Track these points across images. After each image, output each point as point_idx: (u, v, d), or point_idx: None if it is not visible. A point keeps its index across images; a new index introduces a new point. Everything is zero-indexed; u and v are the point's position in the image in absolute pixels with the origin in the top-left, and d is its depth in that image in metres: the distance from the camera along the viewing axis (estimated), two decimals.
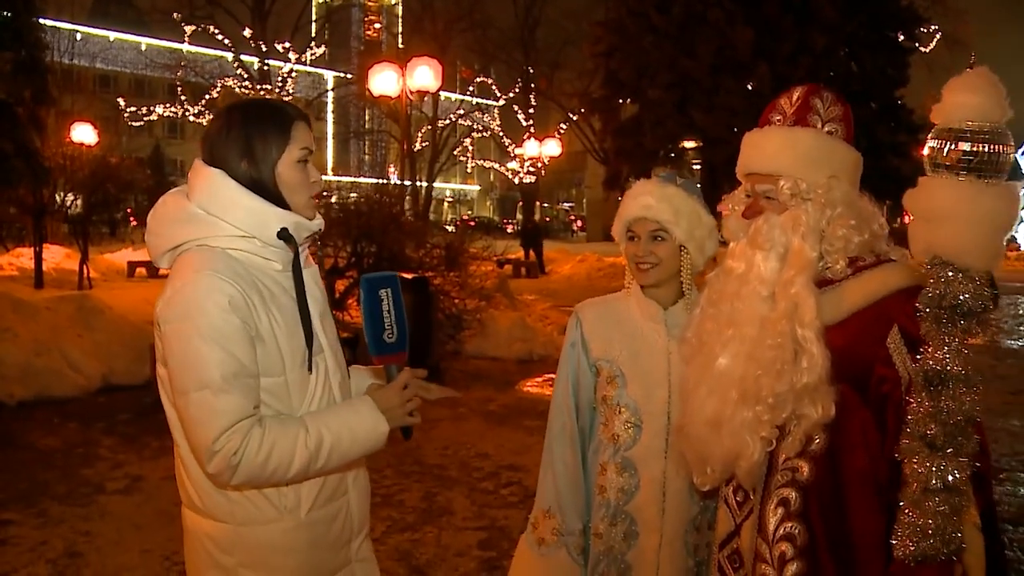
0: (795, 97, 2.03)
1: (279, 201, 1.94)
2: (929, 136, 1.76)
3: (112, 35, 48.24)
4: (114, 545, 4.76)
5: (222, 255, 1.87)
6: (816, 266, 1.94)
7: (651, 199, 2.30)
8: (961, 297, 1.69)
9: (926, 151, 1.76)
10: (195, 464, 1.92)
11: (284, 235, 1.92)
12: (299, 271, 1.98)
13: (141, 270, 19.90)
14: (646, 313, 2.36)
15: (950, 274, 1.70)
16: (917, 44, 25.68)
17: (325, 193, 12.68)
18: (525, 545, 2.49)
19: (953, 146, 1.70)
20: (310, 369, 1.96)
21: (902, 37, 24.65)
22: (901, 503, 1.73)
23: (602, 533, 2.35)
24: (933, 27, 26.88)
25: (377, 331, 1.98)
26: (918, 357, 1.77)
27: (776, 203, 1.98)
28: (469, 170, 63.74)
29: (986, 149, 1.68)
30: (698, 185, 2.46)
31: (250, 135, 1.91)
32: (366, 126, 47.15)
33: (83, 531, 4.96)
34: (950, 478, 1.66)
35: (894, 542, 1.73)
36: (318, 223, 2.03)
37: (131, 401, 8.02)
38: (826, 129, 1.99)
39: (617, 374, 2.34)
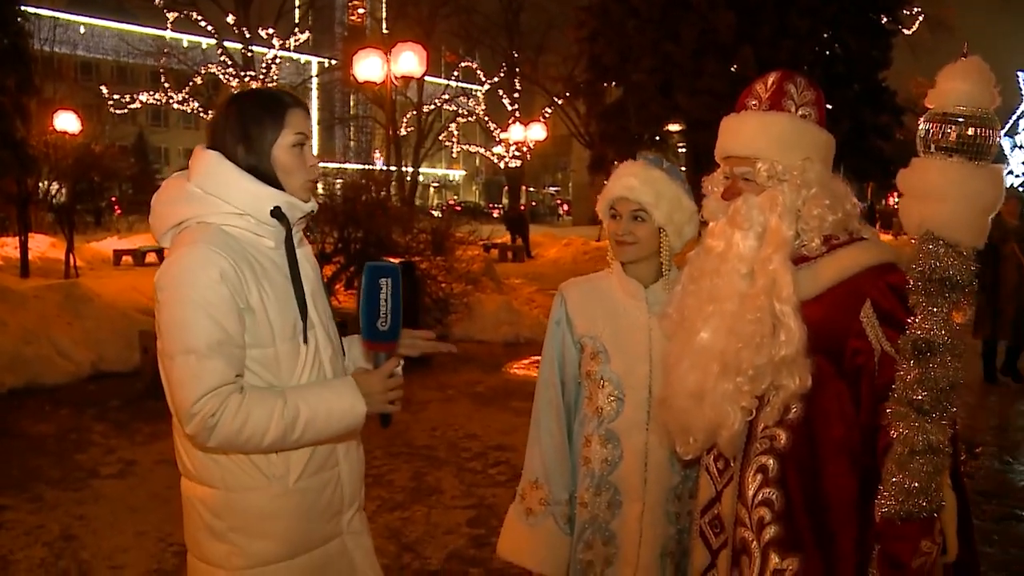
0: (770, 82, 2.11)
1: (275, 183, 2.04)
2: (922, 119, 1.85)
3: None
4: (109, 527, 4.84)
5: (218, 230, 1.97)
6: (792, 244, 2.03)
7: (635, 180, 2.38)
8: (950, 271, 1.78)
9: (919, 133, 1.85)
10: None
11: (277, 213, 2.02)
12: (291, 247, 2.07)
13: (127, 258, 19.89)
14: (627, 291, 2.45)
15: (940, 249, 1.79)
16: (900, 26, 25.82)
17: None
18: (514, 515, 2.58)
19: (946, 129, 1.79)
20: (305, 340, 2.04)
21: (885, 19, 24.77)
22: (887, 465, 1.82)
23: (587, 502, 2.44)
24: (916, 9, 27.04)
25: (372, 318, 2.03)
26: (905, 327, 1.85)
27: (754, 184, 2.07)
28: (455, 155, 63.57)
29: (976, 133, 1.77)
30: (682, 170, 2.55)
31: (246, 122, 2.03)
32: (351, 112, 47.06)
33: (78, 515, 5.03)
34: (934, 440, 1.76)
35: (880, 501, 1.83)
36: (311, 205, 2.12)
37: (122, 388, 8.06)
38: (800, 113, 2.08)
39: (600, 350, 2.43)
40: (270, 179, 2.03)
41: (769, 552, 2.02)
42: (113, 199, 30.93)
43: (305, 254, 2.15)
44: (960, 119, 1.77)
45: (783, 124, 2.06)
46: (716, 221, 2.16)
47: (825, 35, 23.59)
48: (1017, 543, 4.79)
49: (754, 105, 2.11)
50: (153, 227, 2.09)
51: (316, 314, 2.11)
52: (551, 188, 77.22)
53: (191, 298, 1.88)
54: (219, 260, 1.90)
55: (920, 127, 1.83)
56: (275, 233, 2.04)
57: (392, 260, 9.50)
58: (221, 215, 1.99)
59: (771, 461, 2.03)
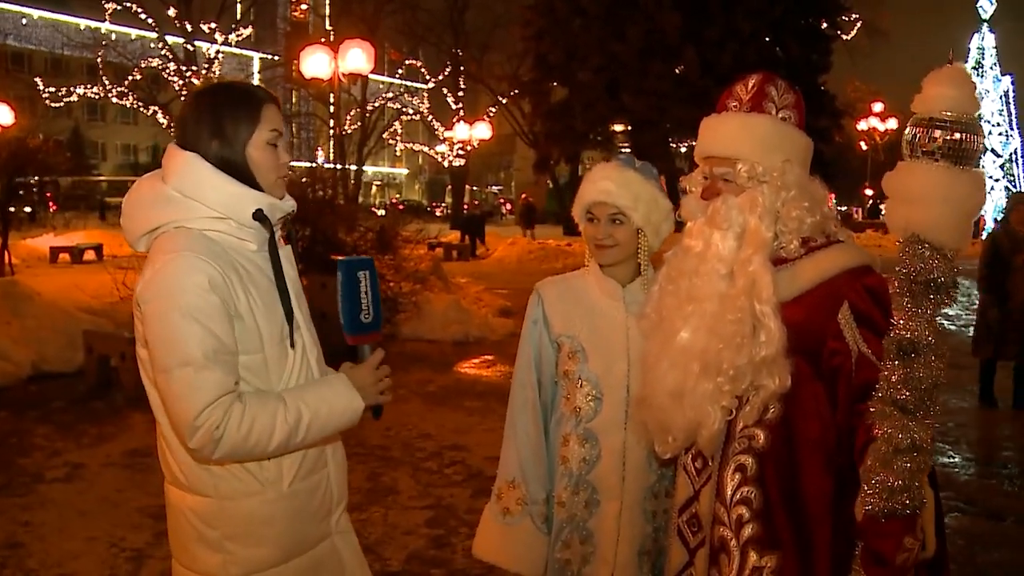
0: (751, 85, 2.14)
1: (251, 182, 1.99)
2: (908, 124, 1.88)
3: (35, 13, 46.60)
4: (58, 533, 4.70)
5: (200, 236, 1.91)
6: (771, 245, 2.06)
7: (611, 184, 2.38)
8: (935, 272, 1.82)
9: (905, 137, 1.88)
10: (179, 441, 1.95)
11: (259, 216, 1.97)
12: (275, 250, 2.03)
13: (64, 256, 19.42)
14: (605, 290, 2.46)
15: (926, 251, 1.83)
16: (839, 31, 26.39)
17: None
18: (490, 515, 2.57)
19: (932, 134, 1.83)
20: (292, 345, 2.02)
21: (824, 24, 25.31)
22: (870, 463, 1.85)
23: (565, 502, 2.44)
24: (854, 15, 27.68)
25: (354, 312, 2.04)
26: (881, 329, 1.90)
27: (733, 185, 2.09)
28: (398, 153, 63.39)
29: (961, 138, 1.81)
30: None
31: (221, 117, 1.96)
32: (293, 109, 46.52)
33: (23, 521, 4.87)
34: (917, 438, 1.80)
35: (865, 499, 1.86)
36: (290, 203, 2.08)
37: (64, 389, 7.87)
38: (780, 115, 2.11)
39: (578, 349, 2.43)
40: (245, 177, 1.98)
41: (748, 550, 2.05)
42: (48, 195, 30.12)
43: (286, 255, 2.11)
44: (946, 124, 1.81)
45: (765, 126, 2.09)
46: (695, 221, 2.18)
47: (767, 39, 24.01)
48: (962, 535, 4.93)
49: (735, 106, 2.13)
50: (127, 230, 2.02)
51: (300, 316, 2.09)
52: (494, 187, 77.31)
53: (181, 307, 1.82)
54: (206, 267, 1.85)
55: (906, 131, 1.87)
56: (257, 236, 2.00)
57: (339, 257, 9.44)
58: (202, 219, 1.93)
59: (749, 460, 2.06)
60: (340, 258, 2.12)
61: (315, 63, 14.63)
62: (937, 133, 1.81)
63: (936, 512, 1.95)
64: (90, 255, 19.55)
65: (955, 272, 1.84)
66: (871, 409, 1.86)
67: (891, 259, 1.91)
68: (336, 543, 2.19)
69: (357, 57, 14.45)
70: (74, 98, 29.59)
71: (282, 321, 2.00)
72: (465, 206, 31.61)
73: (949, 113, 1.81)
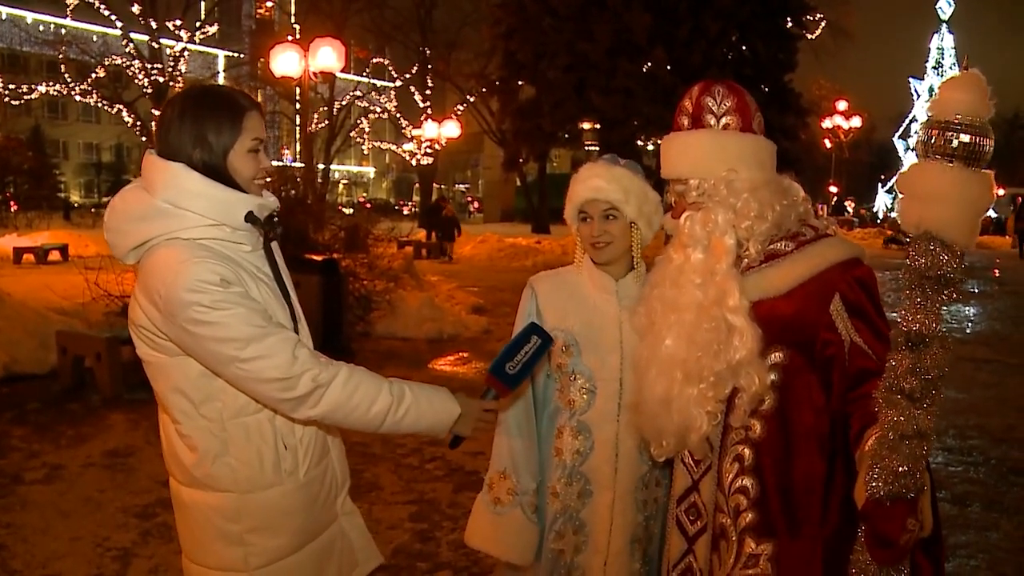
0: (694, 97, 2.21)
1: (231, 183, 2.01)
2: (922, 125, 1.95)
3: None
4: (41, 535, 4.68)
5: (197, 246, 1.93)
6: (735, 252, 2.15)
7: (601, 181, 2.45)
8: (945, 268, 1.90)
9: (920, 138, 1.94)
10: (202, 437, 2.00)
11: (251, 218, 2.01)
12: (270, 249, 2.09)
13: (28, 256, 19.19)
14: (599, 285, 2.52)
15: (937, 248, 1.90)
16: (804, 31, 26.73)
17: None
18: (481, 505, 2.62)
19: (947, 136, 1.89)
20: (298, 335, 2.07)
21: (790, 24, 25.61)
22: (875, 450, 1.92)
23: (559, 492, 2.51)
24: (819, 15, 28.04)
25: (506, 358, 2.22)
26: (871, 318, 1.99)
27: (693, 203, 2.19)
28: (365, 152, 63.17)
29: (973, 140, 1.87)
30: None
31: (203, 126, 1.96)
32: None
33: (5, 523, 4.84)
34: (922, 425, 1.88)
35: (869, 483, 1.93)
36: (273, 200, 2.11)
37: (38, 390, 7.80)
38: (722, 124, 2.18)
39: (572, 343, 2.49)
40: (225, 181, 1.99)
41: (745, 538, 2.13)
42: (8, 194, 29.68)
43: (276, 251, 2.17)
44: (960, 126, 1.88)
45: (702, 142, 2.17)
46: (674, 237, 2.27)
47: (734, 38, 24.26)
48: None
49: (685, 123, 2.21)
50: (112, 244, 2.01)
51: (299, 310, 2.16)
52: (460, 185, 77.34)
53: (214, 304, 1.85)
54: (217, 268, 1.89)
55: (921, 133, 1.94)
56: (249, 237, 2.04)
57: (315, 258, 9.44)
58: (195, 229, 1.94)
59: (746, 450, 2.14)
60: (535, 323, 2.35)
61: (285, 61, 14.59)
62: (951, 135, 1.89)
63: (931, 493, 2.04)
64: (55, 255, 19.34)
65: (962, 268, 1.91)
66: (877, 397, 1.93)
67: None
68: (343, 524, 2.30)
69: (327, 55, 14.43)
70: (35, 96, 29.08)
71: (287, 316, 2.07)
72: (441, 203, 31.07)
73: (962, 116, 1.88)
